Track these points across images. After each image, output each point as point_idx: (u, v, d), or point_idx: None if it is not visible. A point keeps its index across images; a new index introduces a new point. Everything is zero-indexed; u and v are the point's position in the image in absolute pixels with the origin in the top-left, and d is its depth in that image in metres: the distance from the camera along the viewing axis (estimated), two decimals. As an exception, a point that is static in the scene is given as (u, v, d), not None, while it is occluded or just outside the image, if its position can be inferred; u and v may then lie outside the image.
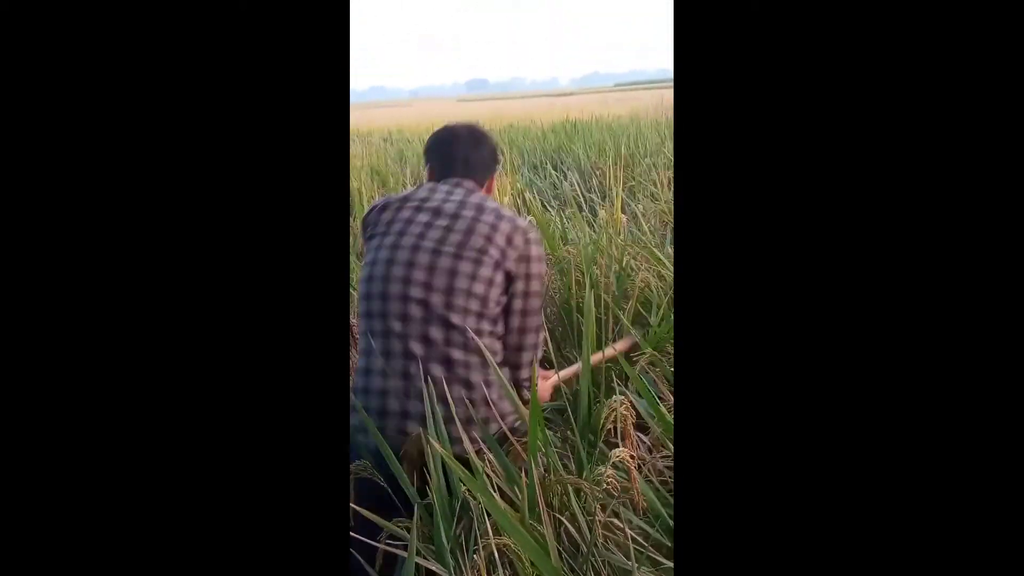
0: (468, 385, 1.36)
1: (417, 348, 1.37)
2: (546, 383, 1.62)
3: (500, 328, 1.44)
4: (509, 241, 1.43)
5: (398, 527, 1.12)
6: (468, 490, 1.08)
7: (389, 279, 1.41)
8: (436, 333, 1.37)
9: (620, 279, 2.21)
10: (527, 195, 3.97)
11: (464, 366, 1.36)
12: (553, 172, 5.41)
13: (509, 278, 1.44)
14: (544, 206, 4.03)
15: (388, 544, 1.09)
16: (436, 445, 1.07)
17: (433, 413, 1.25)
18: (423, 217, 1.45)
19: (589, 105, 17.09)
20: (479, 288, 1.40)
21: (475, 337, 1.37)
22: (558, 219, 3.17)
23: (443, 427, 1.24)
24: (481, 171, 1.57)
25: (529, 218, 1.51)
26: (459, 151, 1.57)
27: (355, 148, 8.71)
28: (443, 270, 1.40)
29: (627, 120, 9.86)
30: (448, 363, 1.36)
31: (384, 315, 1.40)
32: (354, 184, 4.90)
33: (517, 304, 1.46)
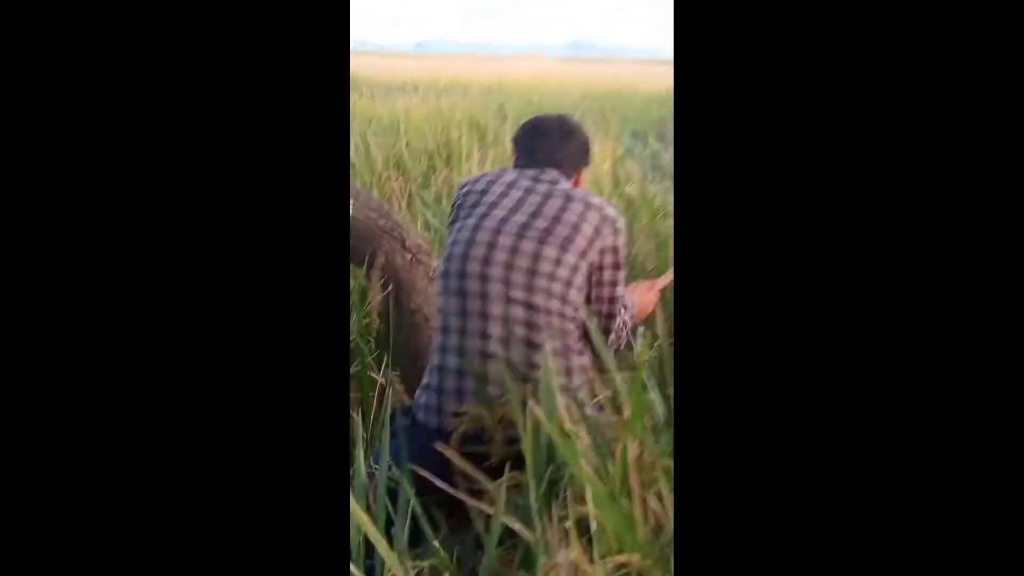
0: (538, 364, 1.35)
1: (495, 328, 1.36)
2: (650, 294, 1.64)
3: (580, 316, 1.43)
4: (597, 232, 1.42)
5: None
6: (561, 458, 1.07)
7: (468, 258, 1.40)
8: (517, 312, 1.36)
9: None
10: (627, 164, 3.91)
11: (543, 354, 1.35)
12: (655, 143, 5.31)
13: (592, 268, 1.43)
14: (643, 177, 3.96)
15: (474, 498, 1.09)
16: (535, 407, 1.06)
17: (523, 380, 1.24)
18: (508, 202, 1.44)
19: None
20: (563, 273, 1.39)
21: (561, 319, 1.37)
22: (657, 191, 3.11)
23: (542, 395, 1.24)
24: (568, 165, 1.55)
25: (612, 204, 1.49)
26: (546, 143, 1.55)
27: (453, 98, 8.72)
28: (526, 253, 1.39)
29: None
30: (529, 345, 1.35)
31: (462, 293, 1.39)
32: (453, 134, 4.91)
33: (604, 292, 1.46)
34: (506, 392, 1.29)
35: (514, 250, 1.39)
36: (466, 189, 1.52)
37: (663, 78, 15.20)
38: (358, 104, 6.35)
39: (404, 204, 3.04)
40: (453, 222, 1.50)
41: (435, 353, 1.43)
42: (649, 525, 1.08)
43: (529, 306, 1.37)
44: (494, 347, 1.36)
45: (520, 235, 1.40)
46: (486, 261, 1.39)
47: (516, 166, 1.56)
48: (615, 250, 1.45)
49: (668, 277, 1.76)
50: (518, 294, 1.37)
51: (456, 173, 3.66)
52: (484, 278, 1.38)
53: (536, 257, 1.39)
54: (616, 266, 1.47)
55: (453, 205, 1.53)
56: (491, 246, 1.40)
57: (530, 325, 1.37)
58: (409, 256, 1.94)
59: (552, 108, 7.36)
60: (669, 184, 3.40)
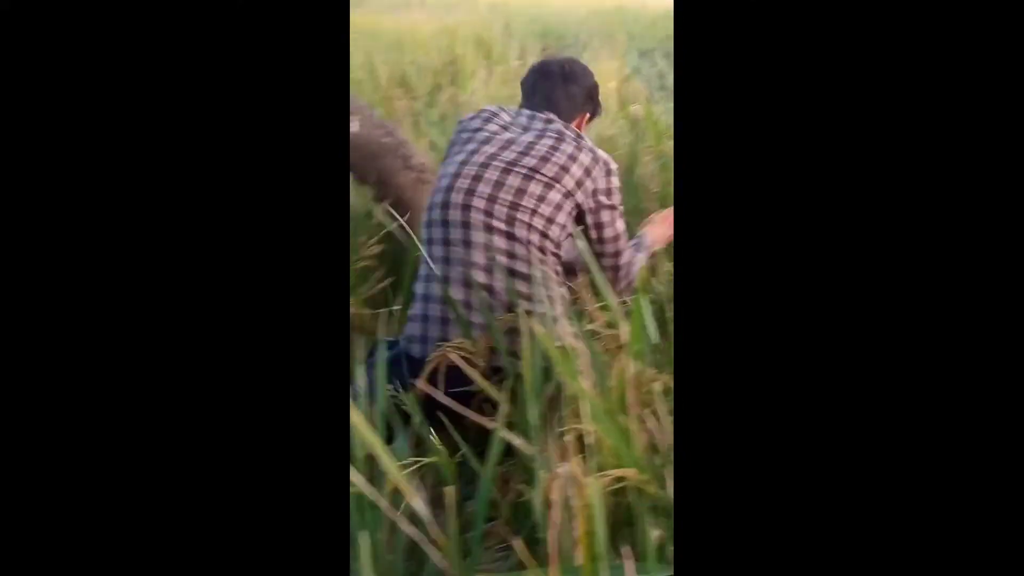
0: (529, 298, 1.36)
1: (478, 257, 1.37)
2: (666, 225, 1.69)
3: (561, 254, 1.46)
4: (587, 173, 1.44)
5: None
6: (559, 374, 1.09)
7: (453, 190, 1.42)
8: (498, 242, 1.37)
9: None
10: (633, 82, 3.84)
11: (524, 279, 1.37)
12: (662, 61, 5.20)
13: (581, 211, 1.45)
14: (650, 96, 3.90)
15: (480, 417, 1.12)
16: (535, 325, 1.07)
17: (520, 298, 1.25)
18: (499, 140, 1.46)
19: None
20: (545, 209, 1.41)
21: (539, 251, 1.39)
22: (664, 111, 3.06)
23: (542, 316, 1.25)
24: (568, 109, 1.55)
25: (606, 156, 1.49)
26: (549, 86, 1.56)
27: (458, 14, 8.51)
28: (510, 187, 1.40)
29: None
30: (511, 273, 1.37)
31: (444, 223, 1.41)
32: (457, 51, 4.81)
33: (606, 233, 1.49)
34: (489, 320, 1.32)
35: (499, 184, 1.41)
36: (461, 127, 1.53)
37: (674, -6, 14.77)
38: (363, 20, 6.20)
39: (410, 124, 3.01)
40: (446, 158, 1.51)
41: (419, 283, 1.44)
42: (645, 442, 1.11)
43: (510, 237, 1.39)
44: (477, 275, 1.37)
45: (507, 170, 1.42)
46: (470, 192, 1.41)
47: (521, 108, 1.57)
48: (608, 192, 1.47)
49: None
50: (500, 225, 1.39)
51: (462, 91, 3.61)
52: (467, 207, 1.40)
53: (520, 192, 1.40)
54: (612, 207, 1.49)
55: (449, 143, 1.54)
56: (476, 179, 1.41)
57: (511, 255, 1.39)
58: (413, 175, 1.93)
59: (558, 25, 7.18)
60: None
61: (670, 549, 0.96)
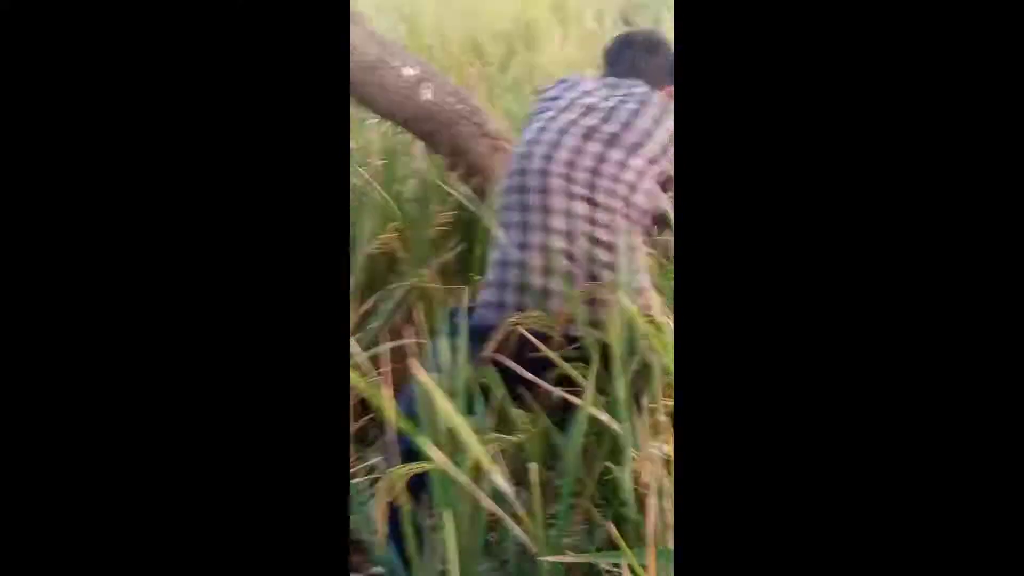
0: (612, 267, 1.30)
1: (557, 222, 1.31)
2: None
3: (647, 224, 1.40)
4: (665, 148, 1.37)
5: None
6: (650, 347, 1.04)
7: (531, 156, 1.36)
8: (578, 207, 1.31)
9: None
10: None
11: (607, 247, 1.30)
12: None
13: (668, 178, 1.39)
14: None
15: (564, 390, 1.08)
16: (623, 298, 1.02)
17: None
18: (578, 107, 1.40)
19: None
20: (628, 176, 1.34)
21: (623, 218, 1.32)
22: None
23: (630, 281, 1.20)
24: (653, 79, 1.48)
25: None
26: (632, 56, 1.51)
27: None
28: (590, 154, 1.34)
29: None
30: (592, 240, 1.30)
31: (522, 189, 1.35)
32: (531, 14, 4.73)
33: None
34: (567, 289, 1.27)
35: (578, 150, 1.35)
36: (541, 96, 1.49)
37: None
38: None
39: (484, 90, 2.96)
40: (525, 128, 1.46)
41: (496, 249, 1.40)
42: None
43: (592, 203, 1.33)
44: (557, 240, 1.32)
45: (587, 136, 1.36)
46: (548, 158, 1.35)
47: (599, 77, 1.52)
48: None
49: None
50: (581, 191, 1.33)
51: (537, 56, 3.54)
52: (545, 173, 1.34)
53: (601, 158, 1.34)
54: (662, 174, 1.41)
55: (528, 115, 1.50)
56: (555, 145, 1.36)
57: (592, 221, 1.33)
58: (488, 142, 1.89)
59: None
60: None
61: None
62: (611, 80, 1.46)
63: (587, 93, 1.43)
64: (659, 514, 0.85)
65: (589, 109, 1.40)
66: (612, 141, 1.35)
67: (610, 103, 1.40)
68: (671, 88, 1.53)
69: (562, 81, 1.49)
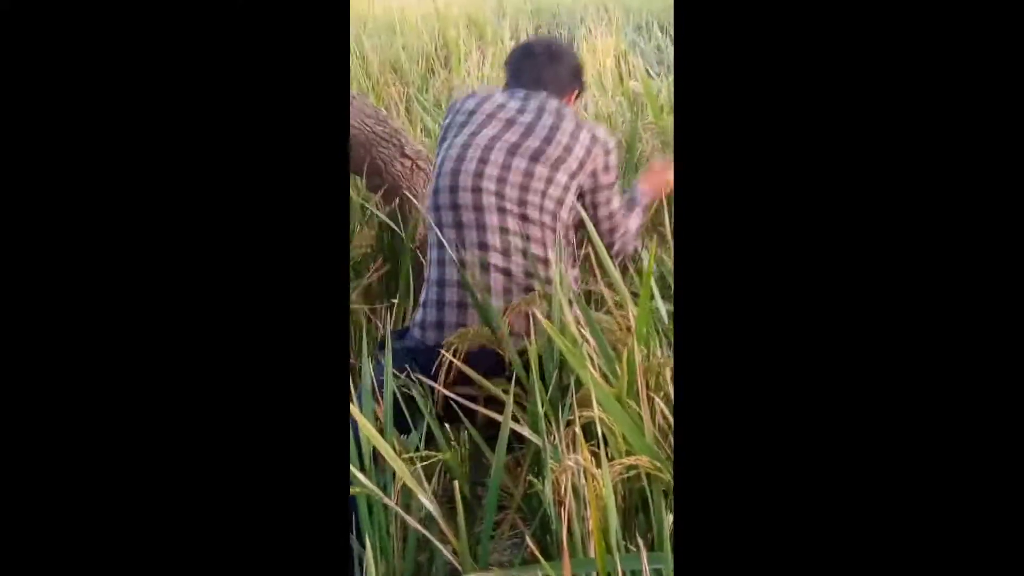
0: (547, 281, 1.34)
1: (493, 239, 1.34)
2: (662, 174, 1.65)
3: (573, 237, 1.45)
4: (588, 153, 1.42)
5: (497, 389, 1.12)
6: (568, 363, 1.07)
7: (460, 172, 1.38)
8: (512, 224, 1.34)
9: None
10: (630, 58, 3.79)
11: (542, 262, 1.34)
12: (660, 34, 5.14)
13: (585, 191, 1.44)
14: (648, 71, 3.85)
15: (487, 410, 1.10)
16: (540, 316, 1.05)
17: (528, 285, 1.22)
18: (498, 122, 1.42)
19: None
20: (554, 191, 1.38)
21: (554, 230, 1.37)
22: (663, 85, 3.02)
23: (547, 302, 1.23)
24: (557, 88, 1.52)
25: (602, 126, 1.48)
26: (535, 66, 1.53)
27: (451, -5, 8.42)
28: (518, 170, 1.37)
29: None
30: (526, 255, 1.34)
31: (455, 206, 1.37)
32: (451, 34, 4.76)
33: (601, 212, 1.47)
34: (487, 311, 1.29)
35: (506, 166, 1.38)
36: (455, 109, 1.50)
37: (667, -34, 14.62)
38: (353, 5, 6.14)
39: (403, 109, 2.97)
40: (442, 141, 1.48)
41: (432, 267, 1.41)
42: (657, 427, 1.09)
43: (524, 218, 1.36)
44: (494, 257, 1.34)
45: (512, 152, 1.39)
46: (479, 175, 1.38)
47: (506, 88, 1.54)
48: (607, 169, 1.45)
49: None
50: (512, 207, 1.36)
51: (455, 75, 3.56)
52: (477, 190, 1.37)
53: (528, 174, 1.38)
54: (610, 185, 1.47)
55: (442, 126, 1.51)
56: (483, 161, 1.38)
57: (526, 237, 1.36)
58: (409, 163, 1.90)
59: (552, 4, 7.11)
60: (674, 77, 3.30)
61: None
62: (522, 93, 1.49)
63: (502, 107, 1.46)
64: (579, 522, 0.87)
65: (508, 123, 1.42)
66: (536, 156, 1.38)
67: (527, 117, 1.43)
68: (575, 94, 1.58)
69: (475, 93, 1.51)
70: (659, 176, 1.68)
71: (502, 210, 1.36)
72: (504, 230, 1.36)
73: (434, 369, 1.24)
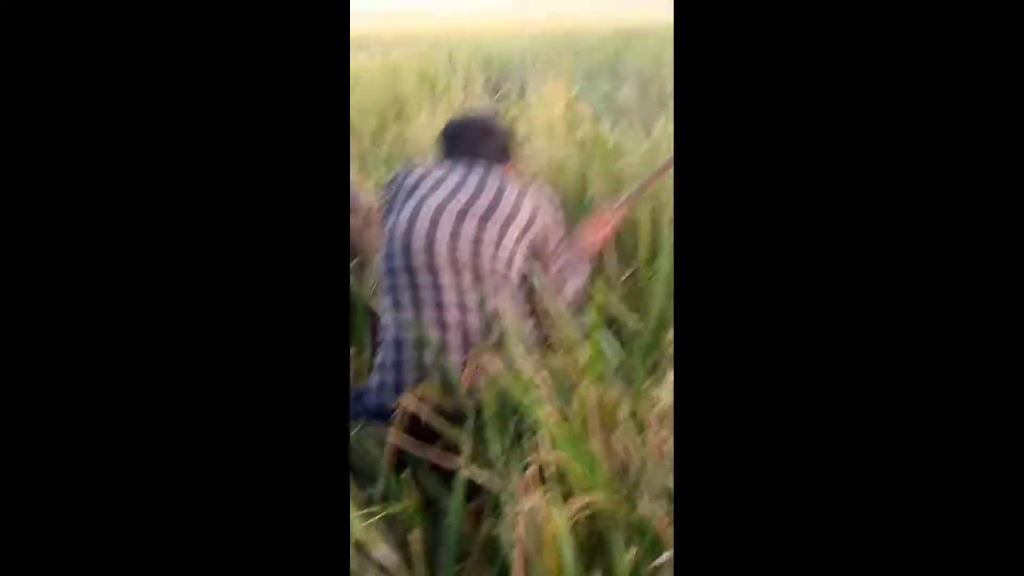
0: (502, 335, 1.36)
1: (449, 297, 1.37)
2: (599, 230, 1.66)
3: (523, 292, 1.48)
4: (534, 215, 1.45)
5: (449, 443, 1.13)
6: (522, 404, 1.08)
7: (412, 236, 1.41)
8: (467, 280, 1.38)
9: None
10: (580, 105, 3.87)
11: (496, 317, 1.36)
12: (606, 83, 5.26)
13: (535, 246, 1.48)
14: (597, 118, 3.94)
15: (440, 456, 1.10)
16: (494, 359, 1.06)
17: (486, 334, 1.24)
18: (442, 191, 1.46)
19: (649, 10, 16.50)
20: (503, 254, 1.42)
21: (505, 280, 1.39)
22: (612, 132, 3.09)
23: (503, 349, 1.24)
24: (492, 160, 1.57)
25: (543, 185, 1.53)
26: (468, 142, 1.58)
27: (403, 51, 8.56)
28: (468, 232, 1.40)
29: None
30: (483, 312, 1.36)
31: (409, 269, 1.40)
32: (401, 87, 4.82)
33: (552, 266, 1.51)
34: (439, 367, 1.30)
35: (456, 227, 1.41)
36: (397, 184, 1.53)
37: (612, 18, 15.03)
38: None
39: (356, 165, 2.99)
40: (388, 213, 1.51)
41: (387, 330, 1.42)
42: (613, 465, 1.10)
43: (478, 276, 1.39)
44: (450, 316, 1.36)
45: (461, 215, 1.42)
46: (430, 237, 1.40)
47: (443, 162, 1.58)
48: (554, 226, 1.50)
49: (619, 208, 1.76)
50: (466, 265, 1.39)
51: (407, 127, 3.61)
52: (430, 251, 1.39)
53: (478, 237, 1.41)
54: (557, 242, 1.51)
55: (385, 199, 1.54)
56: (434, 224, 1.41)
57: (480, 293, 1.39)
58: (359, 219, 1.92)
59: (502, 54, 7.25)
60: (623, 124, 3.37)
61: (643, 570, 0.94)
62: (460, 164, 1.53)
63: (444, 178, 1.49)
64: (537, 564, 0.87)
65: (454, 190, 1.46)
66: (486, 217, 1.42)
67: (471, 184, 1.47)
68: (510, 165, 1.64)
69: (412, 170, 1.54)
70: (600, 227, 1.71)
71: (456, 269, 1.39)
72: (459, 288, 1.38)
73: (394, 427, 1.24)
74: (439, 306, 1.37)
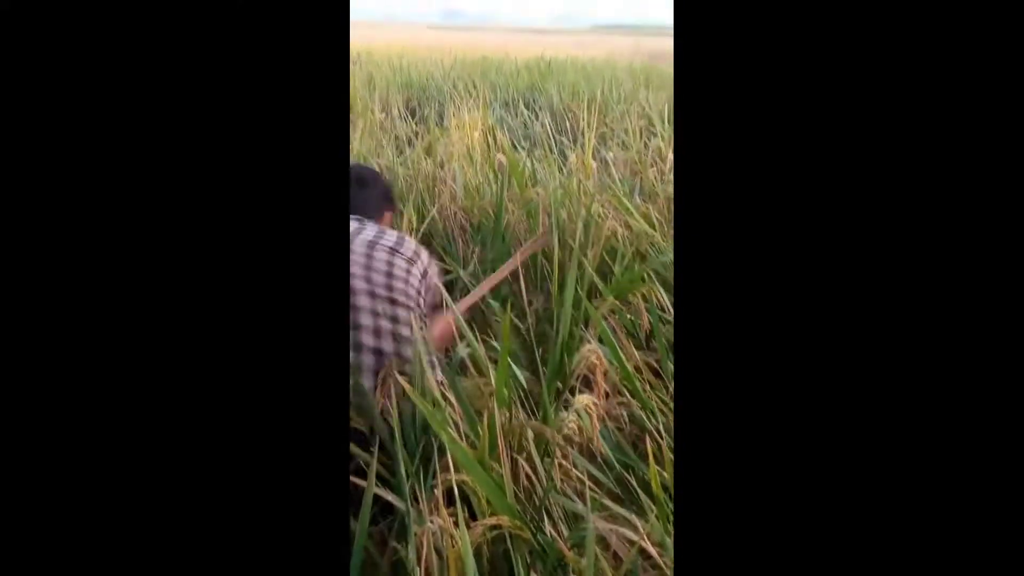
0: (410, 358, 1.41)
1: (365, 320, 1.41)
2: (444, 326, 1.66)
3: (432, 316, 1.61)
4: (418, 255, 1.59)
5: (360, 459, 1.13)
6: (429, 426, 1.09)
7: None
8: (383, 306, 1.43)
9: (587, 225, 2.21)
10: (497, 133, 3.92)
11: (408, 341, 1.40)
12: (525, 111, 5.35)
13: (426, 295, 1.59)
14: (514, 145, 3.99)
15: (351, 479, 1.09)
16: (400, 380, 1.07)
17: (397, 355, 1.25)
18: (352, 222, 1.58)
19: (565, 45, 16.82)
20: (413, 279, 1.53)
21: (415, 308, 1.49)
22: (528, 160, 3.14)
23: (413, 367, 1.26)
24: (369, 211, 1.71)
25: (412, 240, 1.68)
26: (352, 194, 1.68)
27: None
28: (380, 259, 1.50)
29: (602, 63, 9.74)
30: (395, 337, 1.41)
31: None
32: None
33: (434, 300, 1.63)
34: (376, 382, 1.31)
35: (368, 255, 1.48)
36: None
37: (533, 46, 15.26)
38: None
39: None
40: None
41: None
42: (520, 488, 1.12)
43: (393, 302, 1.44)
44: (365, 338, 1.37)
45: (372, 245, 1.50)
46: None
47: None
48: (430, 275, 1.61)
49: (470, 299, 1.79)
50: (381, 292, 1.44)
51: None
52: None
53: (390, 262, 1.49)
54: (430, 289, 1.61)
55: None
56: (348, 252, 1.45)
57: (394, 319, 1.41)
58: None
59: (422, 75, 7.27)
60: (539, 152, 3.43)
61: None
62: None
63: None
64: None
65: (359, 230, 1.55)
66: (394, 249, 1.51)
67: (370, 230, 1.56)
68: (390, 215, 1.77)
69: None
70: (443, 327, 1.66)
71: (371, 294, 1.42)
72: (375, 312, 1.40)
73: None
74: (355, 327, 1.38)
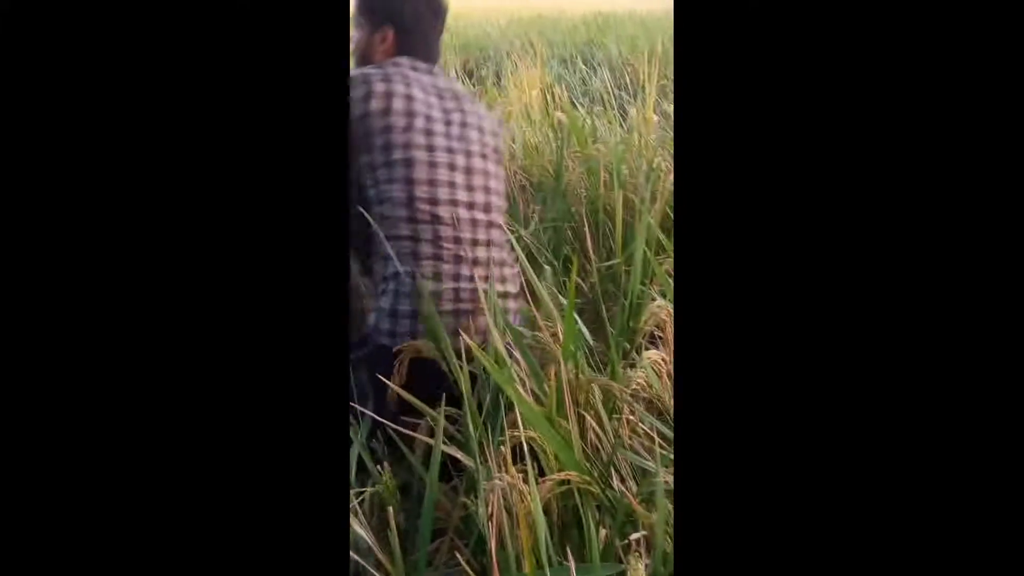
0: (503, 280, 1.37)
1: (469, 252, 1.36)
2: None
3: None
4: (495, 134, 1.48)
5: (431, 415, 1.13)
6: (497, 384, 1.09)
7: (437, 183, 1.38)
8: (481, 235, 1.37)
9: (650, 180, 2.17)
10: (556, 89, 3.87)
11: (500, 264, 1.37)
12: (583, 67, 5.26)
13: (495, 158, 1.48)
14: (573, 102, 3.94)
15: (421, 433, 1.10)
16: (466, 338, 1.07)
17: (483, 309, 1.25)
18: (437, 111, 1.42)
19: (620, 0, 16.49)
20: (503, 187, 1.44)
21: (508, 235, 1.39)
22: (588, 116, 3.10)
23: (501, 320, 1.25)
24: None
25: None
26: (426, 26, 1.52)
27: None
28: (480, 172, 1.40)
29: (662, 15, 9.51)
30: (490, 263, 1.37)
31: (435, 220, 1.37)
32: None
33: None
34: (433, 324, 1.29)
35: (469, 170, 1.40)
36: (382, 87, 1.39)
37: (587, 3, 14.98)
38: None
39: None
40: (385, 130, 1.39)
41: (387, 279, 1.39)
42: (588, 444, 1.11)
43: (491, 225, 1.40)
44: (445, 268, 1.35)
45: (469, 153, 1.41)
46: (452, 185, 1.39)
47: (393, 47, 1.50)
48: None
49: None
50: (481, 215, 1.40)
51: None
52: (434, 202, 1.37)
53: (486, 174, 1.41)
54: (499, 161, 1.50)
55: (356, 114, 1.40)
56: (451, 168, 1.39)
57: (490, 243, 1.39)
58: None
59: (478, 37, 7.22)
60: (598, 108, 3.38)
61: (616, 546, 0.96)
62: (423, 67, 1.48)
63: (416, 96, 1.42)
64: (512, 540, 0.88)
65: (441, 105, 1.43)
66: (484, 153, 1.44)
67: (447, 98, 1.45)
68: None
69: (374, 74, 1.44)
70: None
71: (474, 223, 1.38)
72: (476, 243, 1.37)
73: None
74: (457, 261, 1.35)
